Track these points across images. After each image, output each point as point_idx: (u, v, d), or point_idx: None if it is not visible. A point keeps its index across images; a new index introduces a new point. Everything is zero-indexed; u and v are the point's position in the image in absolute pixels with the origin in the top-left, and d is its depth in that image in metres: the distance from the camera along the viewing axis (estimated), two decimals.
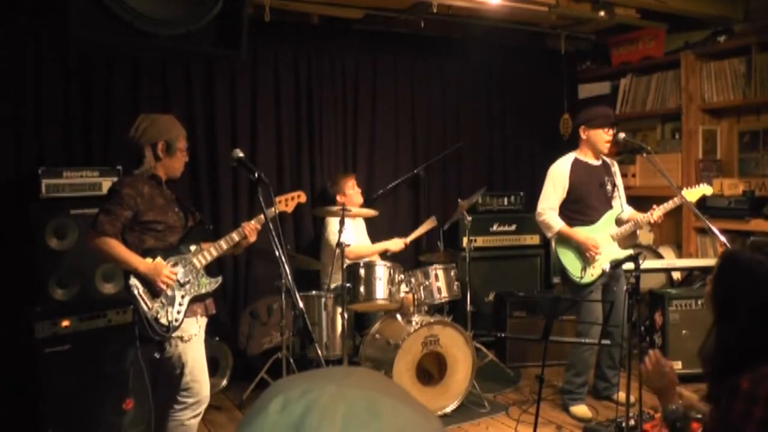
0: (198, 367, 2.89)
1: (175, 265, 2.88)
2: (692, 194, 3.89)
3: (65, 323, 3.40)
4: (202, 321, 2.97)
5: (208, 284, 2.99)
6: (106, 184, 3.75)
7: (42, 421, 3.30)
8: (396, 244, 4.58)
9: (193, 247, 2.99)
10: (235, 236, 3.07)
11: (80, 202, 3.64)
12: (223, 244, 3.06)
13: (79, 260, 3.56)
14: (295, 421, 0.58)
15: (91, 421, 3.42)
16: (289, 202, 3.53)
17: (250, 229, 3.09)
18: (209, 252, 3.01)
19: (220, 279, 3.07)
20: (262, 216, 3.10)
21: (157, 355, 2.81)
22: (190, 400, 2.88)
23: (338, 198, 4.64)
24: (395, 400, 0.63)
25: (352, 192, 4.68)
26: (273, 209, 3.14)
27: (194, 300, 2.91)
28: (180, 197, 3.10)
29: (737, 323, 1.74)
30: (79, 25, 3.04)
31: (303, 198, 3.58)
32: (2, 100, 3.89)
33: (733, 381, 1.65)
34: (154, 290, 2.79)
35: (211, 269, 3.10)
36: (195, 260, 2.95)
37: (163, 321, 2.78)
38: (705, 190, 3.95)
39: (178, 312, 2.83)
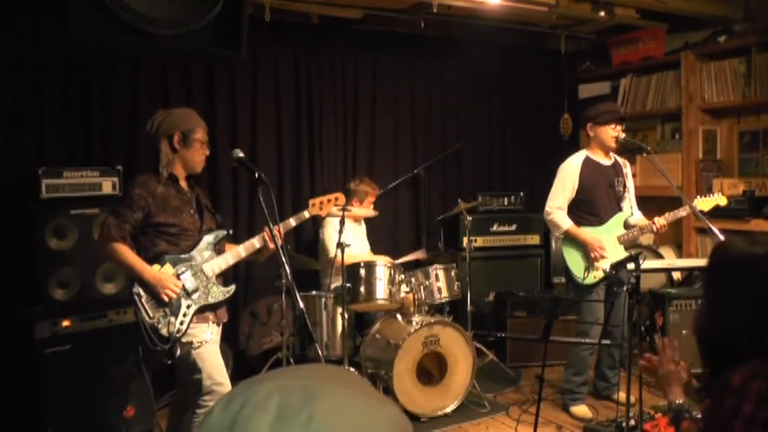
0: (217, 371, 2.80)
1: (183, 273, 2.76)
2: (705, 203, 3.83)
3: (65, 323, 3.40)
4: (214, 327, 2.85)
5: (219, 294, 2.84)
6: (106, 184, 3.76)
7: (42, 422, 3.30)
8: (384, 260, 4.37)
9: (207, 254, 2.84)
10: (256, 242, 2.89)
11: (80, 202, 3.64)
12: (242, 251, 2.89)
13: (79, 260, 3.56)
14: (233, 416, 0.62)
15: (91, 421, 3.42)
16: (324, 205, 3.20)
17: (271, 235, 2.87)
18: (225, 260, 2.86)
19: (232, 288, 2.91)
20: (289, 221, 3.05)
21: (168, 362, 2.74)
22: (212, 404, 2.71)
23: (354, 202, 4.57)
24: (339, 386, 0.64)
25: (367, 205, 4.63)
26: (306, 213, 3.06)
27: (204, 309, 2.80)
28: (202, 198, 2.98)
29: (730, 317, 1.74)
30: (79, 26, 3.05)
31: (341, 200, 3.27)
32: (2, 100, 3.89)
33: (725, 375, 1.65)
34: (158, 299, 2.70)
35: (225, 277, 2.99)
36: (207, 268, 2.82)
37: (163, 332, 2.69)
38: (719, 200, 3.87)
39: (181, 323, 2.71)
